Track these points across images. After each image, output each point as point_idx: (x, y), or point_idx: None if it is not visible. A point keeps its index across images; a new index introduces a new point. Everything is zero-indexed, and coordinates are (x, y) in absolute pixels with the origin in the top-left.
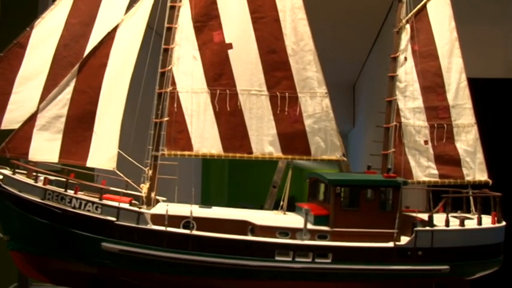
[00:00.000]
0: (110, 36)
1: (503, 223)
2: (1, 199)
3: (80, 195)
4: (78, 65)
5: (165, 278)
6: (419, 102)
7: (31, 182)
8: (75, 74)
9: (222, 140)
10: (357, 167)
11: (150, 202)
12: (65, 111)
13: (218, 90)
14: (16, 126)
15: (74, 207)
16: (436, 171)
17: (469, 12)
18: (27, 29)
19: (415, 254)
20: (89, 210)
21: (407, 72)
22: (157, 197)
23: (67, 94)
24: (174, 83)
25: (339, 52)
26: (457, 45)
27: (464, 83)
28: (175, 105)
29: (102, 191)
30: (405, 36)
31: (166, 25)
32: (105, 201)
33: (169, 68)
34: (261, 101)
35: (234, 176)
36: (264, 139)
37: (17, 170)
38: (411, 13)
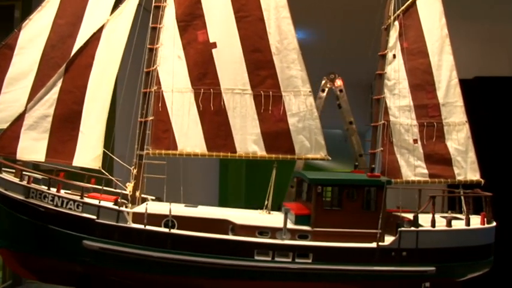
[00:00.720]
0: (95, 37)
1: (494, 224)
2: None
3: (62, 193)
4: (64, 65)
5: (145, 276)
6: (408, 101)
7: (16, 180)
8: (62, 74)
9: (205, 139)
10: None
11: (134, 201)
12: (51, 111)
13: (202, 90)
14: (5, 126)
15: (56, 206)
16: (425, 171)
17: (476, 10)
18: (15, 30)
19: (399, 255)
20: (70, 209)
21: (396, 70)
22: (148, 196)
23: (54, 94)
24: (159, 83)
25: (355, 50)
26: (447, 42)
27: (455, 81)
28: (160, 104)
29: (83, 190)
30: (394, 33)
31: (151, 25)
32: (86, 200)
33: (154, 67)
34: (245, 100)
35: (251, 177)
36: (247, 138)
37: (6, 169)
38: (400, 10)
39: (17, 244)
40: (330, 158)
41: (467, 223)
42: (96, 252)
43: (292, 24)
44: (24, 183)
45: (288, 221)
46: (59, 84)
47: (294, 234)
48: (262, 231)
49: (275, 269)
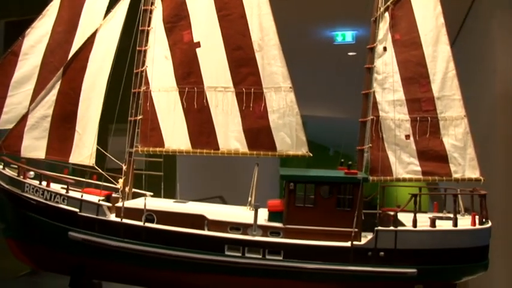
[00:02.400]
0: (90, 41)
1: (488, 224)
2: None
3: (51, 188)
4: (62, 68)
5: (123, 267)
6: (400, 95)
7: (15, 175)
8: (60, 77)
9: (190, 137)
10: None
11: (124, 196)
12: (50, 111)
13: (187, 88)
14: (10, 126)
15: (46, 199)
16: (418, 168)
17: None
18: (20, 38)
19: (377, 255)
20: (57, 202)
21: (386, 63)
22: (147, 192)
23: (52, 96)
24: (147, 83)
25: None
26: (443, 32)
27: (453, 73)
28: (148, 103)
29: (68, 185)
30: (384, 25)
31: (140, 28)
32: (70, 194)
33: (143, 68)
34: (227, 98)
35: None
36: (230, 135)
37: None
38: (390, 1)
39: (17, 234)
40: (312, 155)
41: (455, 224)
42: (80, 243)
43: (273, 20)
44: (20, 178)
45: (263, 217)
46: (57, 86)
47: (266, 230)
48: (234, 227)
49: (246, 265)
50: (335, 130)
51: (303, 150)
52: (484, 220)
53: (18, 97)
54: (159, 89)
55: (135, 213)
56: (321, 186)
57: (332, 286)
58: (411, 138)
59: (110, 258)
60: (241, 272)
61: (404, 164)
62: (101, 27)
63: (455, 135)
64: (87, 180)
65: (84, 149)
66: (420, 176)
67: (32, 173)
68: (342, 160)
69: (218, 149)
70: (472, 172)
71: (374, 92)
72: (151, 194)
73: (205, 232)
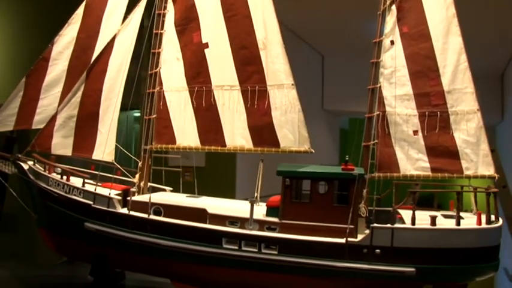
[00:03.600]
0: (109, 46)
1: (497, 224)
2: (28, 184)
3: (71, 182)
4: (85, 72)
5: (131, 256)
6: (407, 89)
7: (41, 170)
8: (84, 80)
9: (199, 134)
10: (508, 163)
11: (139, 190)
12: (75, 112)
13: (196, 88)
14: (42, 126)
15: (66, 192)
16: (427, 164)
17: None
18: (49, 45)
19: (372, 253)
20: (75, 195)
21: (394, 57)
22: (166, 187)
23: (77, 98)
24: (161, 83)
25: (485, 38)
26: (455, 23)
27: (465, 65)
28: (161, 103)
29: (84, 179)
30: (390, 18)
31: (154, 31)
32: (86, 188)
33: (157, 70)
34: (233, 96)
35: None
36: (236, 132)
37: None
38: None
39: (46, 224)
40: (314, 151)
41: (458, 223)
42: (94, 233)
43: (276, 18)
44: (46, 173)
45: (261, 212)
46: (81, 88)
47: (263, 225)
48: (232, 221)
49: (242, 258)
50: None
51: (306, 147)
52: (494, 219)
53: (49, 99)
54: (171, 89)
55: (145, 206)
56: (317, 182)
57: (327, 282)
58: (419, 133)
59: (120, 248)
60: (238, 264)
61: (413, 160)
62: (119, 33)
63: (468, 130)
64: (102, 173)
65: (104, 147)
66: (429, 173)
67: (59, 169)
68: (347, 157)
69: (225, 145)
70: (486, 169)
71: (380, 86)
72: (171, 189)
73: (204, 225)
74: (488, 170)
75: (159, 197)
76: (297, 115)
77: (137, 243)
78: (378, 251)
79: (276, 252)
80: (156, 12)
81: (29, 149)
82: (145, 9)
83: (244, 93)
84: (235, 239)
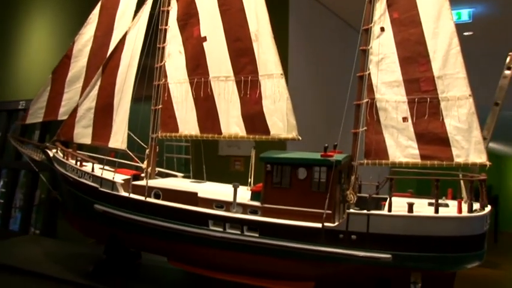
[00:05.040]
0: (121, 42)
1: (484, 212)
2: (53, 170)
3: (84, 168)
4: (101, 67)
5: (132, 236)
6: (397, 75)
7: (60, 157)
8: (100, 74)
9: (198, 123)
10: None
11: (146, 175)
12: (94, 104)
13: (195, 79)
14: (66, 117)
15: (79, 177)
16: (416, 151)
17: None
18: (71, 43)
19: (348, 238)
20: (86, 179)
21: (383, 44)
22: (178, 173)
23: (95, 91)
24: (165, 76)
25: None
26: (446, 6)
27: (457, 49)
28: (166, 94)
29: (93, 165)
30: (380, 5)
31: (159, 27)
32: (94, 173)
33: (162, 63)
34: (228, 87)
35: None
36: (231, 121)
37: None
38: None
39: (69, 206)
40: (300, 138)
41: (436, 210)
42: (102, 214)
43: (266, 9)
44: (63, 159)
45: (246, 197)
46: (98, 83)
47: (246, 209)
48: (219, 204)
49: (226, 239)
50: None
51: (293, 134)
52: (480, 208)
53: (71, 93)
54: (175, 81)
55: (145, 190)
56: (297, 168)
57: (304, 265)
58: (409, 120)
59: (123, 228)
60: (222, 245)
61: (402, 147)
62: (130, 30)
63: (459, 116)
64: (108, 157)
65: (118, 136)
66: (418, 160)
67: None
68: (336, 144)
69: (221, 133)
70: (478, 156)
71: (369, 74)
72: (182, 175)
73: (193, 208)
74: (480, 158)
75: (160, 182)
76: (285, 103)
77: (137, 224)
78: (353, 236)
79: (257, 235)
80: (161, 9)
81: (55, 138)
82: (152, 7)
83: (238, 83)
84: (219, 221)
